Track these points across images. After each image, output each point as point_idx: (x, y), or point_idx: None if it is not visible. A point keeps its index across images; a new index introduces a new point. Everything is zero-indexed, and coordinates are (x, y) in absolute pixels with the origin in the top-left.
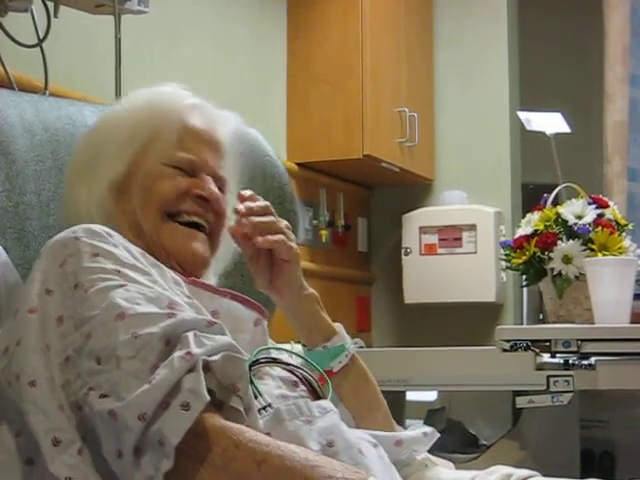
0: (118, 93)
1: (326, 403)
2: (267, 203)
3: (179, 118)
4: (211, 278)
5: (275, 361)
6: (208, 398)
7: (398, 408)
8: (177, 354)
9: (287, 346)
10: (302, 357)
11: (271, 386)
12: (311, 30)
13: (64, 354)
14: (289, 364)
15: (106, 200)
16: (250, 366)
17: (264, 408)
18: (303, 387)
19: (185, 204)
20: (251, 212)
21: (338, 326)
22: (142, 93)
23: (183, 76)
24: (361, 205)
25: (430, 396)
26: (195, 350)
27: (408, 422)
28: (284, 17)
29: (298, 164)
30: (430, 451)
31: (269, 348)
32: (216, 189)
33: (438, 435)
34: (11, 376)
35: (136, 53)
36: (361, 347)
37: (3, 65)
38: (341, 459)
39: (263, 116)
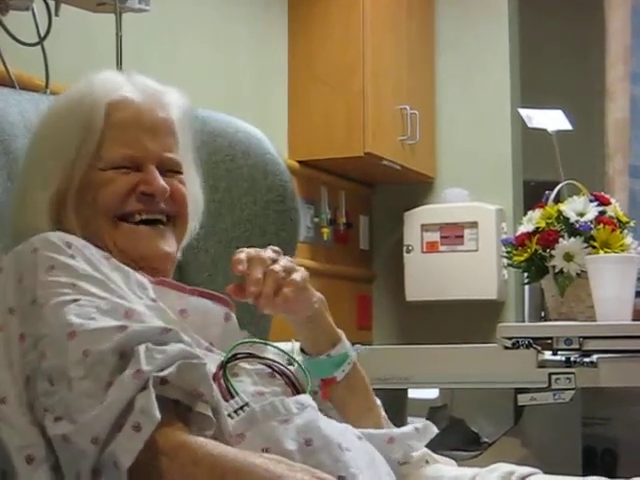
0: None
1: (304, 398)
2: (272, 252)
3: (105, 111)
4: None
5: (251, 355)
6: (159, 417)
7: (400, 406)
8: (127, 373)
9: (289, 344)
10: (278, 348)
11: (247, 383)
12: (312, 28)
13: (24, 374)
14: (266, 358)
15: (52, 213)
16: (227, 362)
17: (241, 408)
18: (280, 381)
19: (131, 205)
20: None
21: (340, 333)
22: (75, 89)
23: (184, 74)
24: (362, 203)
25: (432, 394)
26: (145, 367)
27: (410, 420)
28: (285, 16)
29: (299, 162)
30: (432, 449)
31: (243, 342)
32: (161, 180)
33: (435, 430)
34: None
35: (137, 51)
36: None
37: (4, 63)
38: (320, 457)
39: (264, 114)
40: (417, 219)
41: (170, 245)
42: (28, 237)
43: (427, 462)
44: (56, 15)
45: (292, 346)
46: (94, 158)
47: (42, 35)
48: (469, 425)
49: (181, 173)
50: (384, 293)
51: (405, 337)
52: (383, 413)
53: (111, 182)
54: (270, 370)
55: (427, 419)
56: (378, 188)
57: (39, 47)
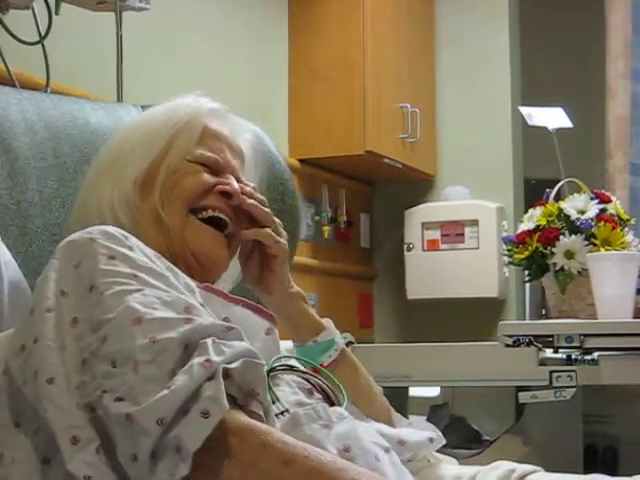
0: (120, 90)
1: (342, 410)
2: (264, 198)
3: (201, 119)
4: (226, 283)
5: (292, 369)
6: (227, 406)
7: (401, 404)
8: (196, 361)
9: (290, 343)
10: (313, 364)
11: (287, 392)
12: (312, 27)
13: (80, 357)
14: (305, 372)
15: (130, 196)
16: (267, 373)
17: (282, 413)
18: (318, 395)
19: (209, 199)
20: (248, 194)
21: (327, 321)
22: (166, 102)
23: (184, 73)
24: (363, 201)
25: (433, 392)
26: (214, 358)
27: (411, 418)
28: (285, 14)
29: (300, 160)
30: None
31: (285, 357)
32: (238, 186)
33: (444, 442)
34: (28, 374)
35: (137, 50)
36: (351, 342)
37: (4, 62)
38: (358, 464)
39: (265, 112)
40: (418, 217)
41: (227, 253)
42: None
43: (428, 461)
44: (56, 14)
45: (293, 345)
46: (184, 151)
47: (42, 34)
48: (470, 423)
49: None
50: (385, 291)
51: (406, 335)
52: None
53: (197, 173)
54: (309, 384)
55: (428, 417)
56: (379, 186)
57: (39, 46)
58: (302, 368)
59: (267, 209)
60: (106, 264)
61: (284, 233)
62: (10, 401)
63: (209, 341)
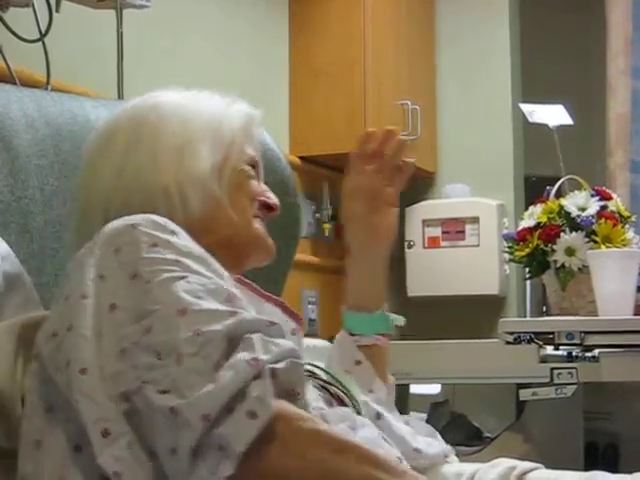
0: (120, 88)
1: (364, 419)
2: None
3: (249, 121)
4: None
5: (313, 375)
6: (274, 408)
7: (402, 401)
8: (243, 358)
9: (319, 341)
10: (332, 374)
11: (312, 396)
12: (313, 24)
13: (119, 345)
14: (325, 381)
15: (206, 179)
16: None
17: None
18: (337, 405)
19: (255, 209)
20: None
21: None
22: (191, 92)
23: (185, 70)
24: None
25: (434, 389)
26: (261, 356)
27: (412, 414)
28: (286, 11)
29: (301, 157)
30: None
31: (311, 363)
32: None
33: (455, 459)
34: (60, 362)
35: (138, 48)
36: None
37: (5, 60)
38: None
39: (265, 110)
40: (418, 214)
41: None
42: None
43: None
44: (57, 11)
45: (338, 336)
46: (242, 152)
47: (43, 31)
48: (471, 420)
49: None
50: (385, 288)
51: (407, 332)
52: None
53: (252, 178)
54: (328, 393)
55: (429, 414)
56: None
57: (40, 43)
58: (323, 376)
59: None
60: (148, 252)
61: None
62: (42, 387)
63: (255, 337)
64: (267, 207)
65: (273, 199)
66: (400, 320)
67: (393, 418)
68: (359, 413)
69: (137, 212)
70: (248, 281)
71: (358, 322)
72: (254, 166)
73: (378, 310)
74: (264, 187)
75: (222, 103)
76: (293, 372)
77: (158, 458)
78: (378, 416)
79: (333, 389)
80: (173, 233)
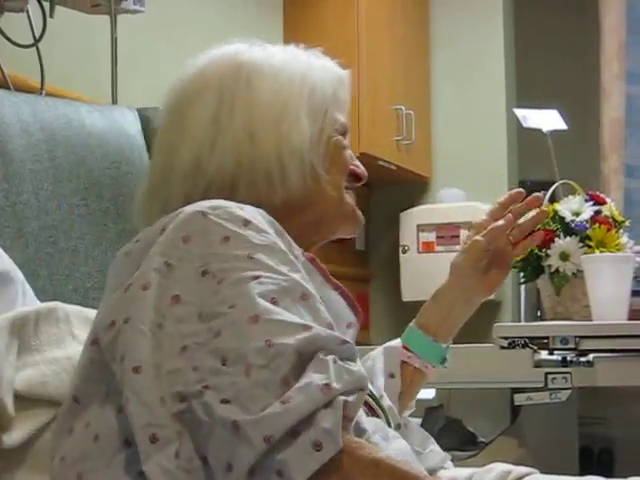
0: (114, 92)
1: (394, 431)
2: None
3: (341, 88)
4: None
5: None
6: (341, 444)
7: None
8: (316, 382)
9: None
10: (380, 404)
11: None
12: (307, 29)
13: (181, 342)
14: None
15: (306, 154)
16: None
17: None
18: (370, 414)
19: (346, 180)
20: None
21: None
22: (281, 51)
23: (179, 75)
24: (358, 203)
25: (428, 394)
26: (335, 385)
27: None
28: (280, 15)
29: None
30: None
31: None
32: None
33: (451, 465)
34: (116, 353)
35: (132, 53)
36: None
37: None
38: None
39: None
40: (413, 219)
41: None
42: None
43: None
44: (51, 16)
45: (393, 342)
46: (335, 120)
47: (37, 36)
48: (466, 425)
49: None
50: (380, 293)
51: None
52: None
53: (346, 149)
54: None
55: (423, 419)
56: (374, 188)
57: (34, 48)
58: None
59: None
60: (220, 246)
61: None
62: (100, 373)
63: (330, 360)
64: (356, 176)
65: (362, 168)
66: (446, 365)
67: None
68: (389, 424)
69: (228, 188)
70: (321, 265)
71: (420, 341)
72: (345, 133)
73: (444, 343)
74: (353, 155)
75: (309, 62)
76: (360, 404)
77: (208, 465)
78: (398, 426)
79: (370, 401)
80: (246, 223)
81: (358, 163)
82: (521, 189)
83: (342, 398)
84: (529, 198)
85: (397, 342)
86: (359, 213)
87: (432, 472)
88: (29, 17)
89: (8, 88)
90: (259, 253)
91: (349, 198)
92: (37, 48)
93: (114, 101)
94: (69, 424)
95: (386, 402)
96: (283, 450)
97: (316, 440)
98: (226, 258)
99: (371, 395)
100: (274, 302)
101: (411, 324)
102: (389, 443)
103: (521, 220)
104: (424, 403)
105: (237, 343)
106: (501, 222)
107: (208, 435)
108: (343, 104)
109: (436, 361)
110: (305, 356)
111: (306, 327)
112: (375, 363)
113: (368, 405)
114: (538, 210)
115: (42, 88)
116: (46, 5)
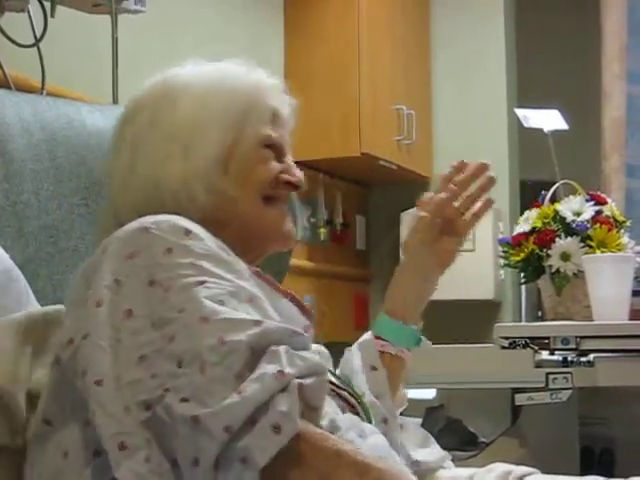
0: (115, 92)
1: (373, 427)
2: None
3: (267, 98)
4: None
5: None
6: (299, 425)
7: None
8: (269, 371)
9: (315, 346)
10: (342, 380)
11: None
12: (308, 29)
13: (138, 352)
14: (336, 385)
15: (212, 175)
16: None
17: None
18: (349, 411)
19: (277, 189)
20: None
21: None
22: (211, 67)
23: None
24: (359, 203)
25: (429, 394)
26: (288, 370)
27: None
28: (281, 16)
29: (296, 162)
30: None
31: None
32: (300, 174)
33: (451, 464)
34: (77, 369)
35: (133, 52)
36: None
37: (0, 65)
38: None
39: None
40: (413, 219)
41: None
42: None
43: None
44: (52, 16)
45: (365, 335)
46: (255, 135)
47: (38, 36)
48: (466, 425)
49: None
50: (381, 293)
51: None
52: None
53: (267, 161)
54: (340, 399)
55: (424, 419)
56: (374, 188)
57: (35, 48)
58: (334, 380)
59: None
60: (163, 257)
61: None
62: (64, 391)
63: (282, 350)
64: (289, 184)
65: (294, 176)
66: (428, 345)
67: (395, 426)
68: (369, 420)
69: (147, 210)
70: (266, 276)
71: (390, 328)
72: (272, 145)
73: (414, 325)
74: (287, 164)
75: (231, 77)
76: (319, 389)
77: (178, 468)
78: (385, 420)
79: (344, 394)
80: (188, 234)
81: (292, 171)
82: (463, 160)
83: (297, 381)
84: (473, 166)
85: (369, 335)
86: (284, 227)
87: (432, 471)
88: (30, 17)
89: (9, 88)
90: (203, 261)
91: (272, 212)
92: (38, 48)
93: (115, 101)
94: (42, 446)
95: (368, 398)
96: (244, 437)
97: (274, 423)
98: (170, 267)
99: (352, 393)
100: (221, 304)
101: (380, 313)
102: (365, 439)
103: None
104: (425, 403)
105: (190, 344)
106: (443, 194)
107: (173, 435)
108: (270, 116)
109: (410, 344)
110: (258, 350)
111: (257, 322)
112: (353, 360)
113: (348, 402)
114: (486, 176)
115: (43, 88)
116: (47, 5)
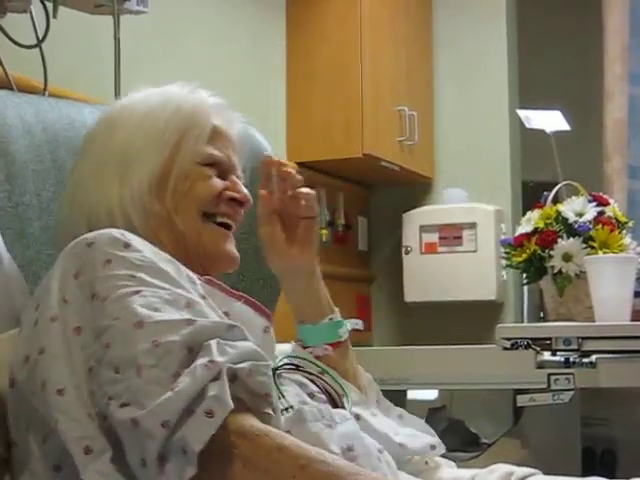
0: (117, 93)
1: (345, 412)
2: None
3: (207, 116)
4: None
5: (297, 368)
6: (232, 405)
7: (399, 407)
8: (200, 362)
9: (288, 346)
10: (321, 366)
11: (291, 392)
12: (310, 29)
13: (86, 365)
14: (311, 373)
15: (145, 197)
16: (275, 369)
17: (286, 409)
18: (322, 397)
19: (221, 206)
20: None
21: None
22: (155, 91)
23: (182, 76)
24: (361, 204)
25: (431, 395)
26: (218, 358)
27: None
28: (283, 16)
29: (298, 163)
30: None
31: (291, 356)
32: (246, 190)
33: (444, 450)
34: (35, 386)
35: (135, 53)
36: (359, 330)
37: (2, 66)
38: (360, 464)
39: (263, 116)
40: (416, 220)
41: (236, 251)
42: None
43: (426, 463)
44: (54, 17)
45: (291, 347)
46: (194, 153)
47: (40, 37)
48: (468, 426)
49: None
50: (383, 294)
51: (404, 338)
52: (373, 386)
53: (209, 178)
54: (314, 387)
55: (426, 420)
56: (376, 189)
57: (37, 49)
58: (308, 369)
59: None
60: (103, 270)
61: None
62: (20, 411)
63: (213, 343)
64: (234, 201)
65: (239, 193)
66: (357, 324)
67: (372, 417)
68: (343, 406)
69: (95, 227)
70: (218, 282)
71: (306, 333)
72: (213, 164)
73: (324, 320)
74: (231, 181)
75: (170, 99)
76: (258, 374)
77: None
78: (357, 417)
79: (319, 381)
80: (127, 246)
81: (237, 188)
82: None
83: (227, 365)
84: (265, 163)
85: (289, 347)
86: (224, 247)
87: (421, 457)
88: (32, 17)
89: (11, 89)
90: (140, 272)
91: (211, 230)
92: (40, 48)
93: None
94: (11, 466)
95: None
96: (181, 429)
97: (207, 409)
98: (108, 279)
99: (331, 378)
100: (156, 311)
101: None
102: (334, 428)
103: None
104: (427, 404)
105: (126, 350)
106: (262, 191)
107: (122, 440)
108: (209, 133)
109: (331, 338)
110: (195, 349)
111: (190, 321)
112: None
113: (325, 390)
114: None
115: (45, 88)
116: (49, 5)
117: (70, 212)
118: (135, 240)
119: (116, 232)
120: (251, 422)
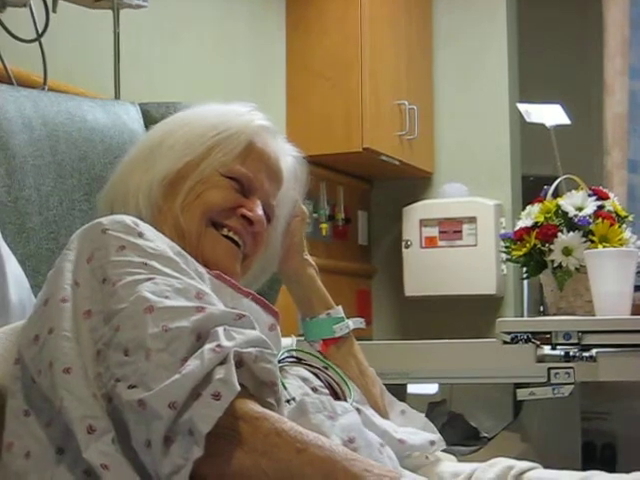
0: (117, 88)
1: (347, 404)
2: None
3: (248, 134)
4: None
5: (300, 362)
6: (239, 388)
7: (399, 401)
8: (207, 347)
9: (289, 340)
10: (323, 360)
11: (294, 385)
12: (310, 24)
13: (94, 348)
14: (313, 366)
15: (155, 193)
16: (278, 361)
17: (288, 401)
18: (325, 390)
19: (230, 220)
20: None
21: (338, 306)
22: (216, 104)
23: (182, 71)
24: (361, 198)
25: (431, 389)
26: (225, 343)
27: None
28: (283, 12)
29: None
30: None
31: (295, 350)
32: (262, 214)
33: (444, 446)
34: (42, 364)
35: (135, 48)
36: (362, 328)
37: (2, 60)
38: (361, 456)
39: (263, 111)
40: (416, 214)
41: (239, 270)
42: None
43: (427, 457)
44: (53, 11)
45: (292, 341)
46: (220, 163)
47: (40, 32)
48: (468, 420)
49: (270, 222)
50: (383, 288)
51: (404, 332)
52: (380, 385)
53: (224, 189)
54: (318, 381)
55: (426, 414)
56: (377, 183)
57: (37, 44)
58: (317, 362)
59: None
60: (116, 255)
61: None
62: (22, 391)
63: (220, 329)
64: (244, 218)
65: (253, 213)
66: (360, 322)
67: (372, 416)
68: (345, 399)
69: (116, 209)
70: (227, 277)
71: (304, 329)
72: (236, 179)
73: (320, 316)
74: (250, 200)
75: (220, 115)
76: (263, 361)
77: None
78: (358, 411)
79: (322, 374)
80: (141, 235)
81: (255, 208)
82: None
83: (235, 349)
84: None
85: (289, 340)
86: (223, 257)
87: (421, 453)
88: (32, 12)
89: (11, 83)
90: (153, 261)
91: (213, 235)
92: (40, 43)
93: (116, 96)
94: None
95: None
96: (188, 411)
97: (214, 392)
98: (121, 264)
99: (334, 372)
100: (166, 298)
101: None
102: (336, 420)
103: None
104: (427, 398)
105: (135, 333)
106: None
107: (127, 422)
108: (241, 150)
109: (326, 334)
110: (203, 335)
111: (199, 309)
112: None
113: (328, 384)
114: None
115: (45, 83)
116: (49, 0)
117: (106, 193)
118: (148, 231)
119: (130, 220)
120: (252, 406)
